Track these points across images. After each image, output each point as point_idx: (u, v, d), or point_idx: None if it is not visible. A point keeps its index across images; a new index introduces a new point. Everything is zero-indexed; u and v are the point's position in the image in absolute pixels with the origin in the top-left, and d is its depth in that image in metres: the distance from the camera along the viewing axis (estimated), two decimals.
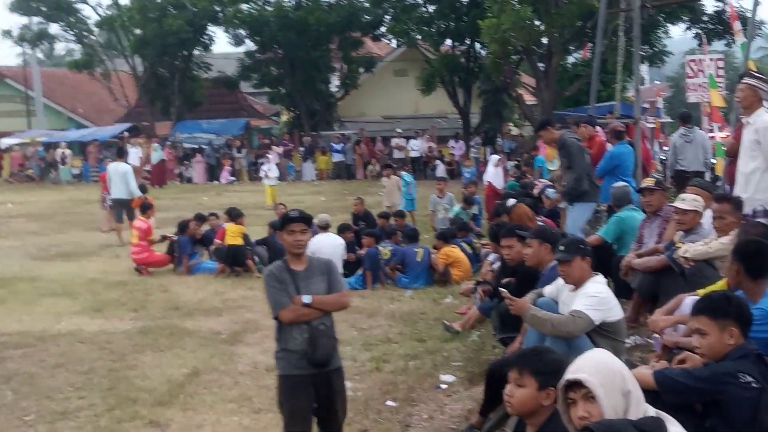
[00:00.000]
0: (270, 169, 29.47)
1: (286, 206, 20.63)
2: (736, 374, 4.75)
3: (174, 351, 11.58)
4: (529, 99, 41.38)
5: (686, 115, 18.52)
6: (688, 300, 6.67)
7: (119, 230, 22.19)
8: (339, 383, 6.89)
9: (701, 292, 6.54)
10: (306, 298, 6.61)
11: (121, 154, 25.22)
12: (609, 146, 14.20)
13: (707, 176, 17.16)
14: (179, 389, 9.83)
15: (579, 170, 12.08)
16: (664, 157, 23.53)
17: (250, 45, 47.98)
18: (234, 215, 18.34)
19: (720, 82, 23.83)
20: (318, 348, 6.60)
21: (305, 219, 6.77)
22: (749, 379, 4.74)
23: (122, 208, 22.44)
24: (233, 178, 42.38)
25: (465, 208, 20.53)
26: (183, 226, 18.53)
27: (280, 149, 42.15)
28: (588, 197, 12.27)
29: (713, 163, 18.58)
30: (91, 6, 51.91)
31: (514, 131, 46.39)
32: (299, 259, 6.78)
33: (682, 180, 16.42)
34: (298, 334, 6.64)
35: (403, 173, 25.56)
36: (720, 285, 6.74)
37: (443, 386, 9.44)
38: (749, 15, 14.96)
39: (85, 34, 50.14)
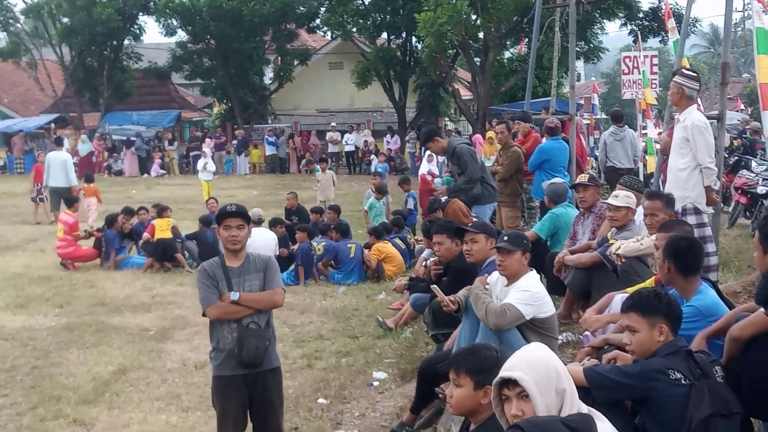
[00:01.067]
0: (207, 163, 29.12)
1: (218, 201, 20.55)
2: (666, 371, 4.83)
3: (100, 348, 11.47)
4: (465, 94, 41.64)
5: (617, 115, 19.18)
6: (618, 297, 6.76)
7: (58, 218, 21.63)
8: (274, 384, 6.76)
9: (630, 289, 6.62)
10: (233, 295, 6.51)
11: (60, 143, 26.23)
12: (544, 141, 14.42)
13: (640, 173, 17.53)
14: (105, 387, 9.74)
15: (471, 174, 12.12)
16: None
17: (182, 35, 47.48)
18: (159, 210, 18.25)
19: (654, 80, 24.18)
20: (245, 347, 6.48)
21: (242, 214, 6.63)
22: (678, 375, 4.82)
23: (59, 197, 22.76)
24: (163, 172, 41.94)
25: (378, 198, 20.49)
26: (111, 220, 18.28)
27: (212, 142, 41.72)
28: (483, 200, 12.34)
29: (643, 160, 19.02)
30: None
31: (450, 126, 46.65)
32: (236, 256, 6.68)
33: (613, 176, 16.88)
34: (228, 332, 6.58)
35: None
36: (650, 282, 6.85)
37: (375, 383, 9.48)
38: (684, 12, 15.14)
39: (11, 22, 49.14)
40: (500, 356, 4.44)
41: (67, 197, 21.79)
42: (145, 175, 41.75)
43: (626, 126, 18.88)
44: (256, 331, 6.56)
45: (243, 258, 6.69)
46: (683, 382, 4.81)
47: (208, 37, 45.81)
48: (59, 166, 23.27)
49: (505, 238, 7.17)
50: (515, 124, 15.03)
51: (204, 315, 6.67)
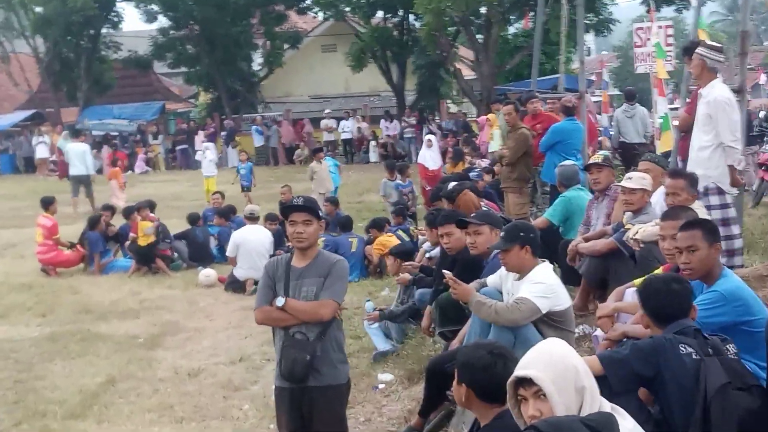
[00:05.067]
0: (211, 158, 28.78)
1: (223, 195, 20.68)
2: (677, 344, 4.95)
3: (86, 358, 11.48)
4: (468, 74, 41.50)
5: (630, 93, 20.22)
6: (630, 291, 6.79)
7: (75, 204, 25.84)
8: (325, 403, 6.44)
9: (637, 282, 6.61)
10: (279, 301, 6.31)
11: (77, 135, 30.83)
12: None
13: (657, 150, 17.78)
14: (93, 400, 9.74)
15: None
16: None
17: (163, 21, 47.48)
18: (139, 208, 18.29)
19: (669, 51, 24.08)
20: (284, 359, 6.34)
21: (309, 208, 6.39)
22: (690, 350, 4.94)
23: (80, 184, 26.71)
24: (148, 168, 41.80)
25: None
26: (93, 222, 18.24)
27: (201, 135, 41.51)
28: None
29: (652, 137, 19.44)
30: None
31: (453, 108, 46.54)
32: (303, 255, 6.45)
33: (626, 151, 18.09)
34: (278, 340, 6.47)
35: (329, 158, 25.53)
36: (659, 271, 6.82)
37: (381, 386, 9.48)
38: None
39: None
40: (495, 361, 4.57)
41: (87, 183, 26.41)
42: (129, 172, 41.70)
43: (637, 104, 19.61)
44: (299, 342, 6.33)
45: (311, 258, 6.46)
46: (694, 356, 4.92)
47: (192, 22, 45.72)
48: (79, 156, 27.02)
49: (501, 234, 7.15)
50: (530, 102, 15.02)
51: None
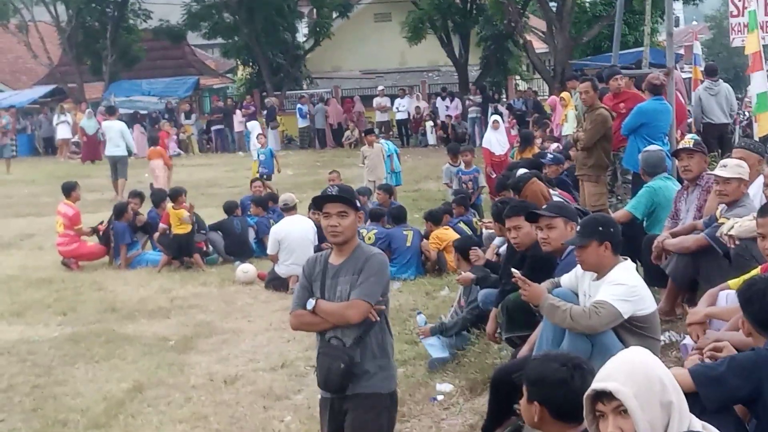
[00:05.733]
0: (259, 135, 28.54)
1: (265, 182, 20.73)
2: None
3: (111, 362, 11.56)
4: (540, 47, 41.36)
5: (712, 69, 20.74)
6: (723, 294, 6.69)
7: (116, 187, 26.50)
8: (360, 413, 6.38)
9: (734, 282, 6.52)
10: (309, 303, 6.33)
11: (113, 112, 30.86)
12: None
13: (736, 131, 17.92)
14: (118, 408, 9.80)
15: None
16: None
17: None
18: (173, 195, 18.17)
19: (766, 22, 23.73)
20: (319, 368, 6.39)
21: (345, 199, 6.33)
22: None
23: (117, 165, 26.88)
24: (180, 151, 41.99)
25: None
26: (120, 210, 18.25)
27: (239, 114, 41.61)
28: None
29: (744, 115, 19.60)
30: None
31: (522, 86, 46.33)
32: (340, 250, 6.42)
33: (711, 132, 18.39)
34: (317, 346, 6.54)
35: (385, 141, 25.49)
36: (757, 271, 6.73)
37: (439, 397, 9.45)
38: None
39: None
40: (571, 374, 4.51)
41: (119, 167, 26.72)
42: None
43: (720, 80, 19.97)
44: (335, 348, 6.33)
45: (348, 253, 6.41)
46: None
47: None
48: (116, 134, 27.31)
49: (577, 229, 7.09)
50: (613, 79, 14.89)
51: None
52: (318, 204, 6.48)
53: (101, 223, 18.58)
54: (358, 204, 6.46)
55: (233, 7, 46.34)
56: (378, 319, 6.31)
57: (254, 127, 29.52)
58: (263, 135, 29.88)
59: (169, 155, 35.61)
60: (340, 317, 6.26)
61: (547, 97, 37.78)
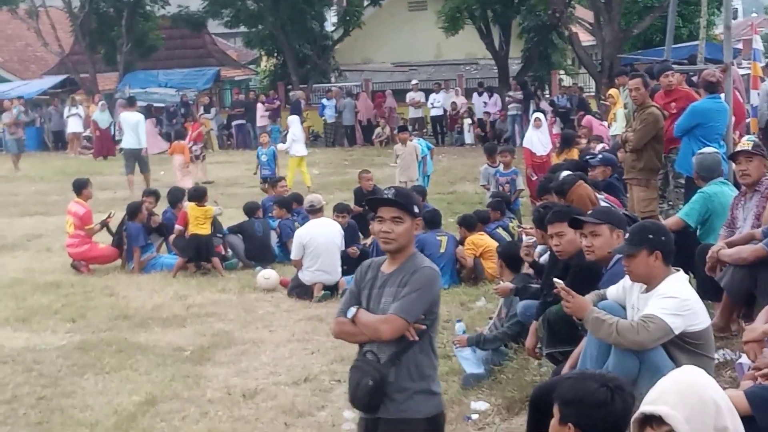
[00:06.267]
0: (296, 134, 28.19)
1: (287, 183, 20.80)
2: None
3: (123, 373, 11.60)
4: (587, 39, 41.25)
5: None
6: None
7: (131, 182, 26.96)
8: None
9: None
10: (349, 311, 6.26)
11: (132, 103, 31.84)
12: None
13: None
14: (130, 423, 9.84)
15: None
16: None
17: None
18: (195, 194, 18.21)
19: None
20: (349, 382, 6.35)
21: (400, 203, 6.18)
22: None
23: (134, 160, 27.71)
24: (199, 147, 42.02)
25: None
26: (133, 210, 18.19)
27: (262, 108, 41.57)
28: None
29: None
30: None
31: (567, 81, 46.21)
32: (393, 258, 6.32)
33: None
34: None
35: (418, 139, 25.50)
36: None
37: (474, 416, 9.44)
38: None
39: None
40: (612, 395, 4.42)
41: (140, 158, 27.55)
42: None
43: None
44: (367, 363, 6.25)
45: (400, 263, 6.29)
46: None
47: None
48: (132, 127, 27.96)
49: (626, 237, 7.06)
50: (664, 76, 14.83)
51: None
52: (372, 206, 6.48)
53: (110, 215, 18.64)
54: (416, 210, 6.28)
55: None
56: (417, 339, 6.14)
57: (293, 121, 29.15)
58: (265, 134, 30.10)
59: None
60: (373, 331, 6.17)
61: (593, 93, 37.71)
